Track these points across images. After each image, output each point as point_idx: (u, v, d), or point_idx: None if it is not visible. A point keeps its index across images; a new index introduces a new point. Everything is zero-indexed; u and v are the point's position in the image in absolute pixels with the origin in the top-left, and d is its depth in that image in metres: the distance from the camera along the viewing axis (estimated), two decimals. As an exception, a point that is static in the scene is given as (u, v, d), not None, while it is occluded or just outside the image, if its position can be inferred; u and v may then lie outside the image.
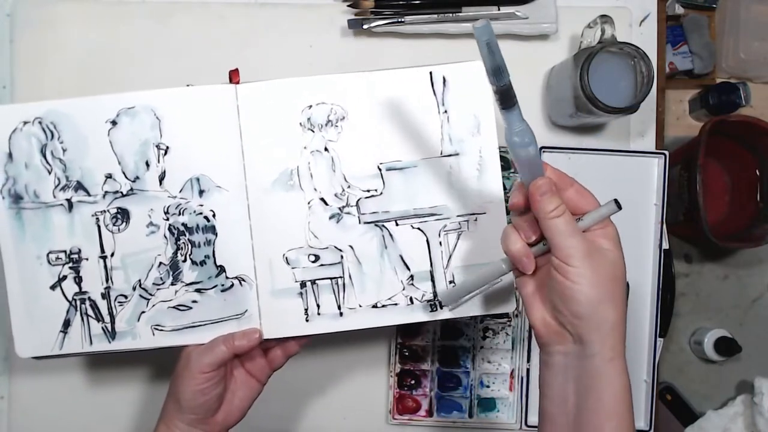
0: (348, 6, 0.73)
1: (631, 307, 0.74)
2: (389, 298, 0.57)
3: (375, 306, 0.57)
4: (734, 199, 1.04)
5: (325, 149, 0.56)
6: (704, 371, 1.08)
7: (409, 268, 0.57)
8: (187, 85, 0.72)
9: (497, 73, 0.41)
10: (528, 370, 0.72)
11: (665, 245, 0.73)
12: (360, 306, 0.57)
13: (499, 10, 0.72)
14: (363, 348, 0.73)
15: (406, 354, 0.72)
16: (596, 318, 0.42)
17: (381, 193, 0.57)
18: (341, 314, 0.57)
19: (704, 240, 0.93)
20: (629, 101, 0.65)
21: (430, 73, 0.56)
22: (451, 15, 0.72)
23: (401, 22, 0.71)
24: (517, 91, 0.76)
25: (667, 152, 0.73)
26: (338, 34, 0.74)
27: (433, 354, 0.72)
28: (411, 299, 0.57)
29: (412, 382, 0.72)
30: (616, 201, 0.43)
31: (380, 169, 0.57)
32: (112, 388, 0.72)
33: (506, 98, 0.42)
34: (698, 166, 0.89)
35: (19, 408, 0.71)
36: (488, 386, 0.73)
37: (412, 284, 0.57)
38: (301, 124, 0.56)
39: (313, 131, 0.56)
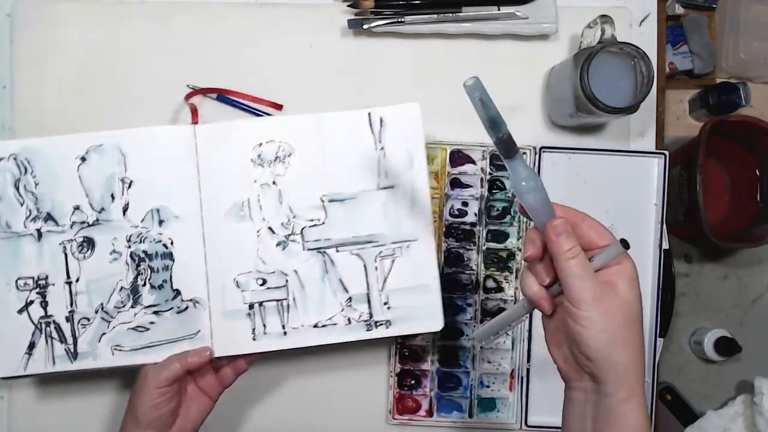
0: (348, 6, 0.73)
1: (631, 307, 0.74)
2: (329, 319, 0.62)
3: (316, 326, 0.61)
4: (734, 199, 1.04)
5: (274, 183, 0.61)
6: (704, 371, 1.07)
7: (347, 291, 0.62)
8: (187, 86, 0.73)
9: (494, 125, 0.42)
10: (528, 370, 0.72)
11: (665, 245, 0.73)
12: (302, 326, 0.61)
13: (499, 10, 0.72)
14: (363, 348, 0.73)
15: (406, 354, 0.72)
16: (608, 361, 0.42)
17: (323, 223, 0.62)
18: (285, 333, 0.61)
19: (704, 240, 0.93)
20: (629, 101, 0.65)
21: (369, 114, 0.62)
22: (451, 15, 0.72)
23: (401, 22, 0.71)
24: (517, 91, 0.77)
25: (667, 152, 0.73)
26: (338, 34, 0.74)
27: (433, 354, 0.72)
28: (349, 319, 0.62)
29: (412, 382, 0.72)
30: (623, 240, 0.44)
31: (323, 201, 0.62)
32: (112, 386, 0.72)
33: (507, 148, 0.43)
34: (698, 166, 0.89)
35: (19, 408, 0.71)
36: (488, 386, 0.73)
37: (350, 306, 0.62)
38: (252, 160, 0.61)
39: (263, 167, 0.61)
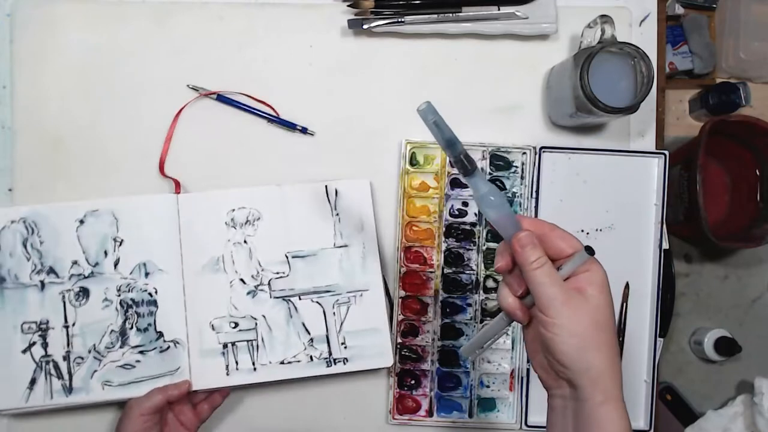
0: (348, 6, 0.73)
1: (632, 307, 0.74)
2: (293, 356, 0.70)
3: (282, 363, 0.70)
4: (734, 199, 1.03)
5: (245, 242, 0.71)
6: (704, 371, 1.07)
7: (309, 333, 0.71)
8: (188, 86, 0.73)
9: (450, 145, 0.45)
10: (528, 370, 0.72)
11: (665, 245, 0.73)
12: (270, 362, 0.70)
13: (499, 10, 0.72)
14: (363, 348, 0.73)
15: (406, 354, 0.72)
16: (580, 365, 0.43)
17: (288, 275, 0.71)
18: (255, 369, 0.70)
19: (704, 240, 0.92)
20: (629, 101, 0.65)
21: (326, 186, 0.72)
22: (451, 15, 0.72)
23: (401, 22, 0.71)
24: (517, 91, 0.77)
25: (667, 152, 0.73)
26: (338, 34, 0.74)
27: (433, 354, 0.72)
28: (311, 357, 0.70)
29: (412, 382, 0.72)
30: (587, 248, 0.45)
31: (287, 257, 0.71)
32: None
33: (465, 166, 0.45)
34: (698, 166, 0.89)
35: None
36: (488, 386, 0.73)
37: (312, 345, 0.70)
38: (226, 223, 0.71)
39: (235, 228, 0.71)
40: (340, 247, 0.71)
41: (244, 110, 0.73)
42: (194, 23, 0.74)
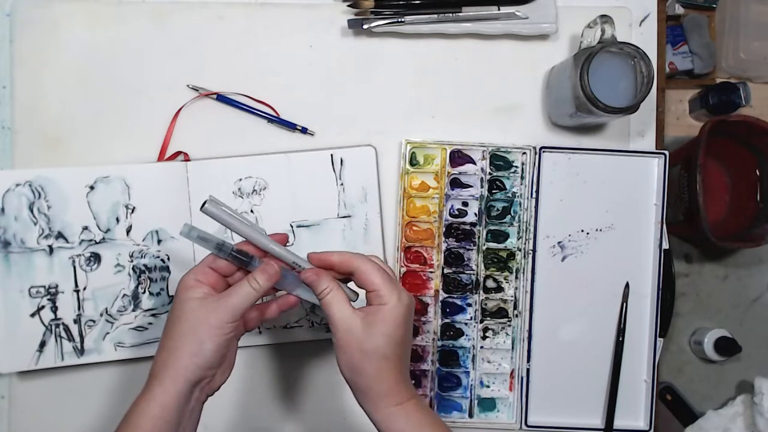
0: (348, 6, 0.73)
1: (632, 307, 0.74)
2: (296, 322, 0.73)
3: (286, 327, 0.72)
4: (734, 199, 1.03)
5: (251, 211, 0.72)
6: (704, 371, 1.07)
7: (311, 300, 0.68)
8: (188, 86, 0.73)
9: (221, 249, 0.52)
10: (528, 370, 0.72)
11: (665, 245, 0.73)
12: (275, 327, 0.72)
13: (499, 10, 0.72)
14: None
15: (406, 354, 0.72)
16: (348, 379, 0.53)
17: (292, 244, 0.72)
18: (260, 332, 0.72)
19: (704, 240, 0.92)
20: (629, 101, 0.65)
21: (331, 155, 0.72)
22: (451, 15, 0.72)
23: (401, 22, 0.71)
24: (517, 91, 0.77)
25: (667, 152, 0.73)
26: (338, 34, 0.74)
27: (433, 354, 0.72)
28: (312, 322, 0.73)
29: (412, 382, 0.72)
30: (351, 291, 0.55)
31: (292, 226, 0.72)
32: (112, 387, 0.72)
33: (241, 259, 0.52)
34: (698, 166, 0.89)
35: (19, 408, 0.71)
36: (488, 386, 0.73)
37: (314, 311, 0.73)
38: (233, 192, 0.72)
39: (242, 198, 0.72)
40: (344, 217, 0.72)
41: (244, 110, 0.73)
42: (194, 23, 0.74)
